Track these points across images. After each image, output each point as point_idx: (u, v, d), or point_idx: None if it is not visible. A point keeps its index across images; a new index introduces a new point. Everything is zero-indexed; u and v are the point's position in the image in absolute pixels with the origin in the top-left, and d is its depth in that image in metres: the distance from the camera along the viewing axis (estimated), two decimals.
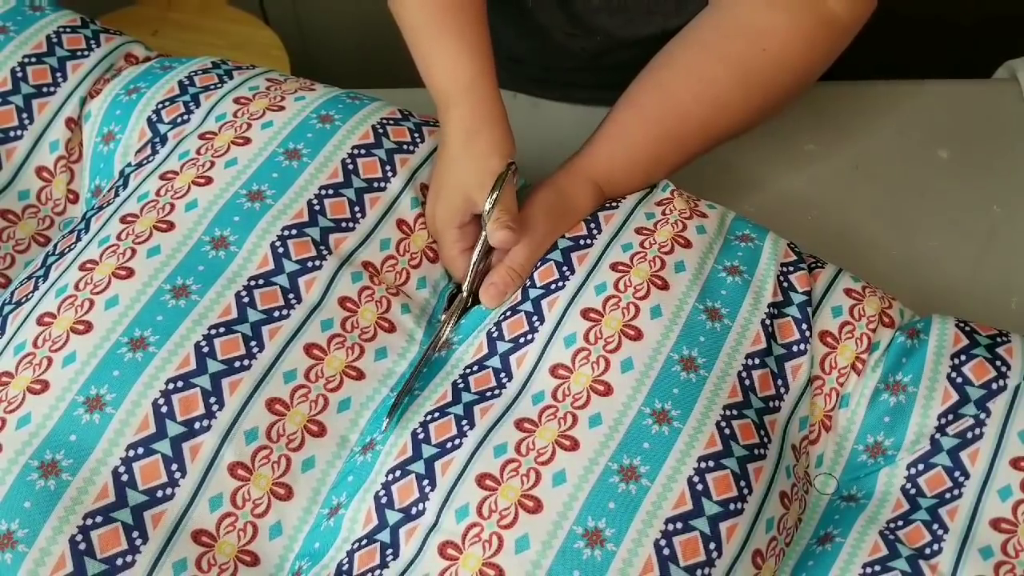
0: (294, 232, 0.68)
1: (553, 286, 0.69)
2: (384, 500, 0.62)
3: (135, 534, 0.60)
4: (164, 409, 0.62)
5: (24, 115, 0.77)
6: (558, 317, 0.68)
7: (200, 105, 0.77)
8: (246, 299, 0.66)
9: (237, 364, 0.64)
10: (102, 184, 0.78)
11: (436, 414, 0.65)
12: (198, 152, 0.73)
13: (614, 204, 0.74)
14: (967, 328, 0.70)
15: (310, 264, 0.68)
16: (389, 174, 0.73)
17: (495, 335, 0.69)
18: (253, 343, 0.65)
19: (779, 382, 0.67)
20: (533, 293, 0.69)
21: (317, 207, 0.70)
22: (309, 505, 0.64)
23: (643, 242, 0.71)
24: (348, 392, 0.66)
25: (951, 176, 0.90)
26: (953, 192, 0.89)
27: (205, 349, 0.64)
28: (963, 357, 0.68)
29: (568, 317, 0.67)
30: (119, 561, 0.59)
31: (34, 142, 0.77)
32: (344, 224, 0.70)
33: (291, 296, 0.67)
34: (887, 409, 0.68)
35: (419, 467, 0.62)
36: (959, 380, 0.67)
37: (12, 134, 0.77)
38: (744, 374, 0.65)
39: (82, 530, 0.58)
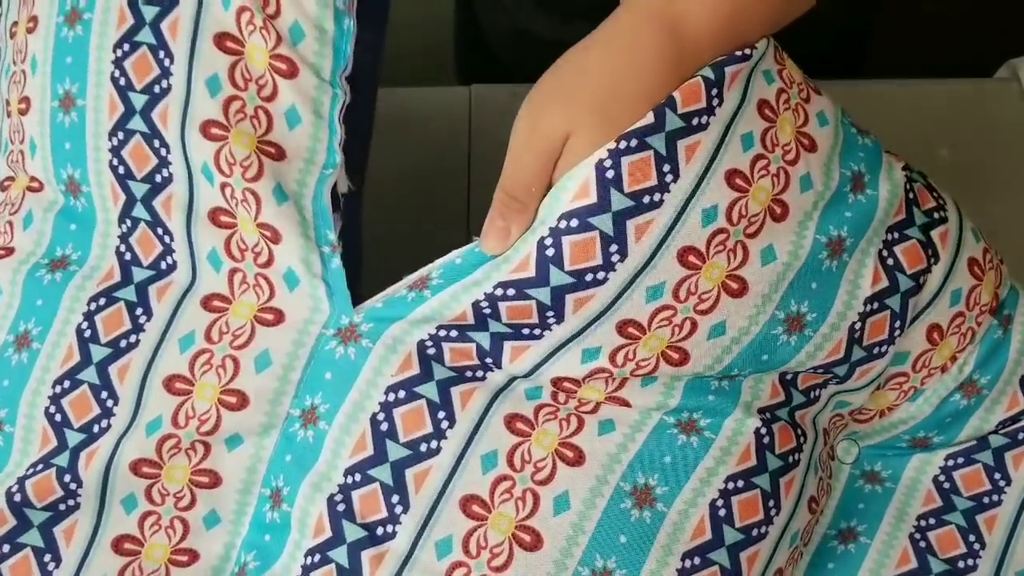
0: (121, 137, 0.55)
1: (590, 276, 0.51)
2: (342, 509, 0.52)
3: (46, 557, 0.53)
4: (58, 418, 0.54)
5: None
6: (588, 319, 0.52)
7: None
8: (127, 254, 0.56)
9: (123, 343, 0.54)
10: None
11: (401, 392, 0.52)
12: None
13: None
14: None
15: (158, 178, 0.56)
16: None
17: (486, 309, 0.53)
18: (140, 312, 0.55)
19: (833, 379, 0.56)
20: (556, 277, 0.51)
21: (122, 82, 0.55)
22: (245, 486, 0.55)
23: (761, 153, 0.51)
24: (263, 343, 0.54)
25: (951, 176, 0.90)
26: (953, 192, 0.89)
27: (87, 333, 0.54)
28: None
29: (603, 323, 0.52)
30: None
31: None
32: (157, 88, 0.54)
33: (163, 234, 0.56)
34: (954, 411, 0.60)
35: (385, 475, 0.51)
36: None
37: None
38: (791, 377, 0.55)
39: None
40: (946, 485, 0.60)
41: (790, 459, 0.53)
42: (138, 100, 0.54)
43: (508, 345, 0.53)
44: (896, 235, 0.55)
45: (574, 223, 0.50)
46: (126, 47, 0.54)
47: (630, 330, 0.52)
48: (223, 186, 0.54)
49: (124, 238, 0.56)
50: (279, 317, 0.55)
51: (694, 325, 0.52)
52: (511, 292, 0.51)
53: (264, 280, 0.55)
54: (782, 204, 0.52)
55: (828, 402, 0.57)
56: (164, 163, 0.55)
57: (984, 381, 0.60)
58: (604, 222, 0.50)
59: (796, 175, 0.53)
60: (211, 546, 0.55)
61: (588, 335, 0.52)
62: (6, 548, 0.53)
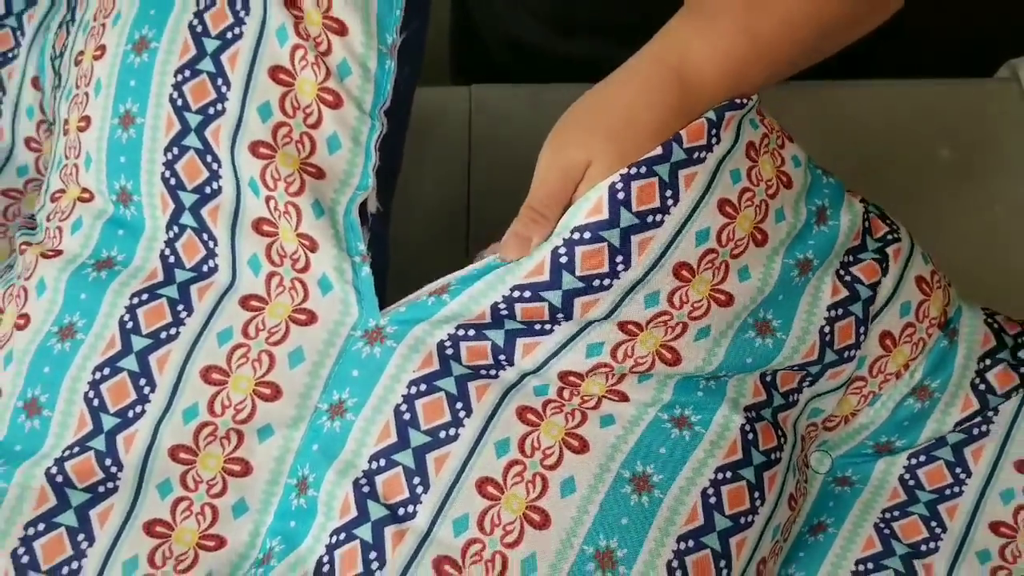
0: (176, 152, 0.60)
1: (596, 282, 0.57)
2: (367, 491, 0.56)
3: (80, 536, 0.56)
4: (96, 402, 0.58)
5: None
6: (594, 317, 0.58)
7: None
8: (171, 257, 0.61)
9: (164, 335, 0.59)
10: None
11: (423, 385, 0.58)
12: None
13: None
14: (995, 325, 0.68)
15: (207, 190, 0.61)
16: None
17: (503, 311, 0.59)
18: (181, 308, 0.59)
19: (807, 381, 0.62)
20: (568, 281, 0.57)
21: (180, 103, 0.60)
22: (274, 476, 0.58)
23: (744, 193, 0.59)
24: (297, 341, 0.60)
25: (951, 176, 0.90)
26: (953, 192, 0.89)
27: (129, 324, 0.59)
28: (988, 362, 0.66)
29: (607, 322, 0.58)
30: (64, 569, 0.55)
31: (12, 113, 0.73)
32: (213, 110, 0.60)
33: (207, 239, 0.61)
34: (910, 414, 0.66)
35: (407, 459, 0.56)
36: (982, 387, 0.66)
37: None
38: (770, 376, 0.61)
39: (24, 541, 0.56)
40: (911, 482, 0.65)
41: (772, 456, 0.59)
42: (193, 120, 0.60)
43: (520, 342, 0.58)
44: (852, 257, 0.63)
45: (587, 235, 0.57)
46: (187, 73, 0.60)
47: (629, 327, 0.58)
48: (268, 199, 0.59)
49: (170, 243, 0.61)
50: (312, 318, 0.60)
51: (685, 327, 0.59)
52: (527, 294, 0.58)
53: (300, 284, 0.60)
54: (763, 232, 0.60)
55: (805, 408, 0.63)
56: (215, 176, 0.60)
57: (935, 385, 0.66)
58: (613, 235, 0.57)
59: (773, 208, 0.60)
60: (238, 533, 0.58)
61: (591, 331, 0.58)
62: (41, 527, 0.56)
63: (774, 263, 0.60)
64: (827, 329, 0.61)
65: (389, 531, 0.55)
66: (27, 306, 0.62)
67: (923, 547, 0.62)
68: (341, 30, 0.59)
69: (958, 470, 0.64)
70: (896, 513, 0.64)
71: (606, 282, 0.57)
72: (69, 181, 0.65)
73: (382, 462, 0.56)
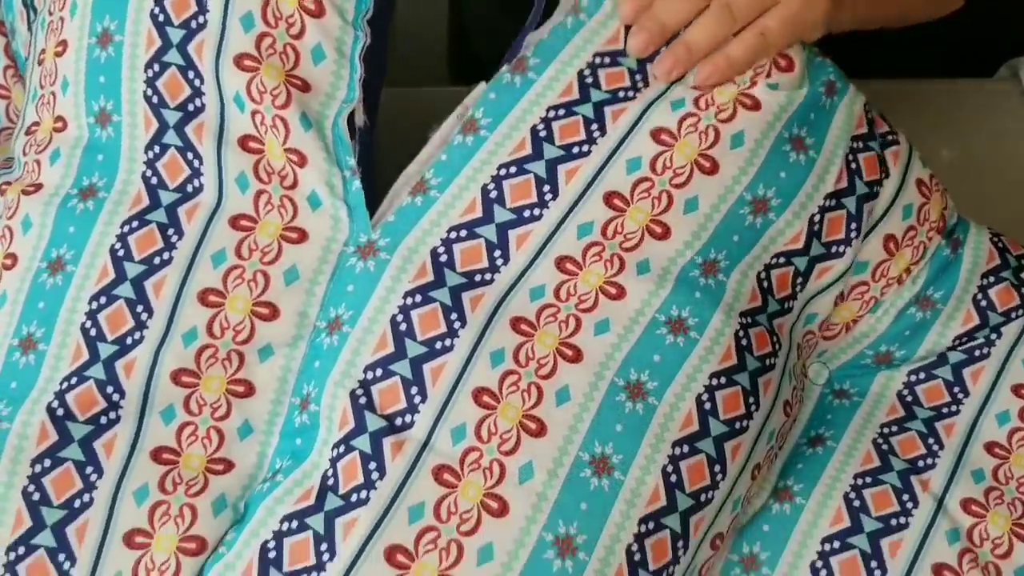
0: (157, 69, 0.60)
1: (577, 149, 0.59)
2: (363, 401, 0.56)
3: (88, 470, 0.55)
4: (93, 332, 0.57)
5: None
6: (580, 190, 0.59)
7: None
8: (153, 179, 0.60)
9: (157, 260, 0.58)
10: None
11: (418, 296, 0.57)
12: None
13: None
14: (1000, 244, 0.68)
15: (191, 107, 0.60)
16: None
17: (493, 194, 0.59)
18: (171, 232, 0.59)
19: (799, 280, 0.62)
20: (549, 151, 0.59)
21: (161, 18, 0.60)
22: (277, 396, 0.58)
23: (697, 100, 0.61)
24: (291, 259, 0.59)
25: (952, 176, 0.90)
26: (953, 192, 0.89)
27: (120, 252, 0.58)
28: (992, 279, 0.67)
29: (588, 198, 0.59)
30: (76, 503, 0.55)
31: None
32: (195, 23, 0.59)
33: (191, 156, 0.60)
34: (911, 324, 0.66)
35: (404, 369, 0.56)
36: (983, 303, 0.66)
37: None
38: (764, 275, 0.61)
39: (32, 478, 0.55)
40: (908, 398, 0.65)
41: (767, 362, 0.59)
42: (175, 34, 0.59)
43: (512, 234, 0.58)
44: (860, 144, 0.62)
45: (561, 111, 0.59)
46: None
47: (615, 201, 0.58)
48: (254, 113, 0.59)
49: (150, 164, 0.60)
50: (303, 236, 0.59)
51: (671, 198, 0.58)
52: (512, 170, 0.58)
53: (289, 201, 0.59)
54: (753, 98, 0.61)
55: (800, 314, 0.62)
56: (197, 93, 0.59)
57: (937, 296, 0.66)
58: (586, 110, 0.60)
59: (763, 79, 0.62)
60: (245, 455, 0.58)
61: (580, 209, 0.58)
62: (47, 463, 0.55)
63: (772, 130, 0.60)
64: (817, 218, 0.61)
65: (387, 442, 0.55)
66: (13, 245, 0.61)
67: (920, 463, 0.62)
68: None
69: (956, 389, 0.65)
70: (894, 428, 0.64)
71: (585, 148, 0.59)
72: (44, 112, 0.63)
73: (378, 372, 0.56)
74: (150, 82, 0.60)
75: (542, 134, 0.59)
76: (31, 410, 0.56)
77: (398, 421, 0.55)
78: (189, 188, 0.60)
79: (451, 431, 0.55)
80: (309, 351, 0.58)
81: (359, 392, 0.56)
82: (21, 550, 0.54)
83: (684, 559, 0.56)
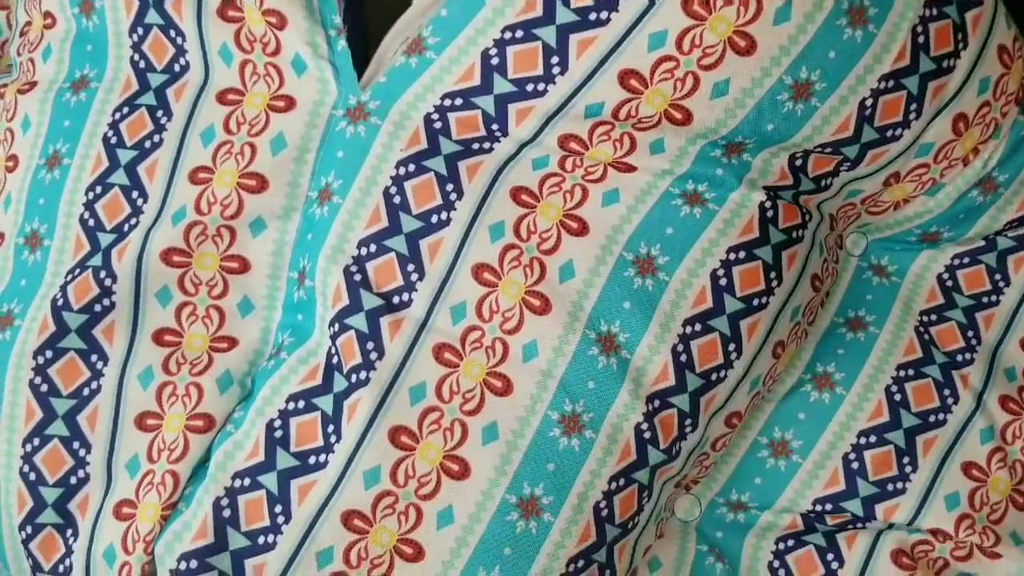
0: None
1: (593, 15, 0.52)
2: (358, 278, 0.54)
3: (93, 357, 0.56)
4: (92, 222, 0.57)
5: None
6: (592, 66, 0.52)
7: None
8: (140, 62, 0.59)
9: (148, 144, 0.57)
10: None
11: (411, 166, 0.54)
12: None
13: None
14: None
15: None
16: None
17: (495, 61, 0.53)
18: (161, 114, 0.57)
19: (844, 165, 0.56)
20: (562, 15, 0.52)
21: None
22: (273, 271, 0.57)
23: None
24: (278, 127, 0.56)
25: None
26: None
27: (113, 140, 0.57)
28: None
29: (600, 76, 0.53)
30: (85, 391, 0.56)
31: None
32: None
33: (173, 33, 0.58)
34: (969, 207, 0.60)
35: (399, 244, 0.54)
36: None
37: None
38: (800, 157, 0.55)
39: (37, 370, 0.56)
40: (949, 283, 0.61)
41: (793, 234, 0.54)
42: None
43: (513, 108, 0.54)
44: (933, 10, 0.53)
45: None
46: None
47: (632, 82, 0.52)
48: None
49: (136, 47, 0.59)
50: (290, 103, 0.57)
51: (697, 80, 0.52)
52: (519, 34, 0.53)
53: (274, 69, 0.57)
54: None
55: (840, 191, 0.57)
56: None
57: (1003, 179, 0.60)
58: None
59: None
60: (248, 332, 0.57)
61: (591, 87, 0.53)
62: (49, 354, 0.56)
63: (826, 1, 0.52)
64: (869, 102, 0.53)
65: (385, 321, 0.53)
66: (14, 146, 0.60)
67: (959, 357, 0.60)
68: None
69: (997, 277, 0.61)
70: (934, 317, 0.60)
71: (603, 15, 0.52)
72: (33, 10, 0.63)
73: (372, 248, 0.54)
74: None
75: None
76: (39, 306, 0.57)
77: (395, 299, 0.54)
78: (176, 67, 0.59)
79: (451, 309, 0.53)
80: (302, 223, 0.57)
81: (353, 269, 0.54)
82: (36, 441, 0.56)
83: (693, 436, 0.54)
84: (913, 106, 0.54)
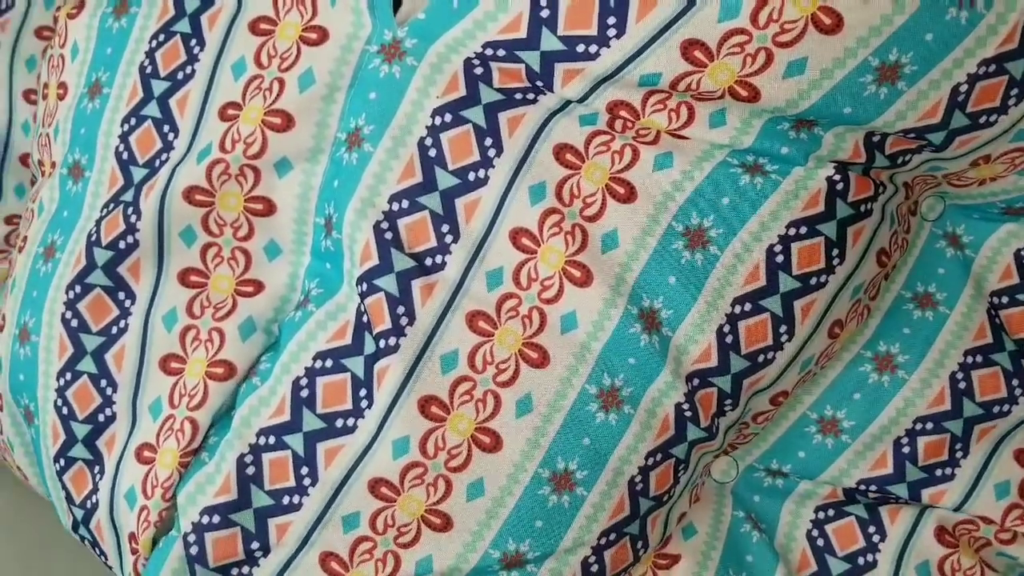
0: None
1: None
2: (389, 236, 0.51)
3: (121, 295, 0.55)
4: (126, 155, 0.55)
5: None
6: (652, 32, 0.47)
7: None
8: None
9: (180, 75, 0.55)
10: None
11: (448, 115, 0.50)
12: None
13: None
14: None
15: None
16: None
17: (544, 13, 0.48)
18: (194, 44, 0.55)
19: (925, 146, 0.50)
20: None
21: None
22: (299, 215, 0.54)
23: None
24: (308, 62, 0.53)
25: None
26: None
27: (149, 69, 0.55)
28: None
29: (661, 44, 0.47)
30: (113, 329, 0.55)
31: None
32: None
33: None
34: None
35: (434, 203, 0.51)
36: None
37: None
38: (877, 138, 0.50)
39: (68, 304, 0.55)
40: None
41: (862, 208, 0.50)
42: None
43: (560, 68, 0.49)
44: None
45: None
46: None
47: (696, 54, 0.47)
48: None
49: None
50: (322, 35, 0.53)
51: (770, 57, 0.47)
52: None
53: (308, 2, 0.53)
54: None
55: (920, 166, 0.52)
56: None
57: None
58: None
59: None
60: (275, 276, 0.55)
61: (649, 56, 0.48)
62: (78, 289, 0.55)
63: None
64: (964, 88, 0.48)
65: (417, 284, 0.51)
66: (64, 73, 0.59)
67: None
68: None
69: None
70: (1006, 299, 0.56)
71: None
72: None
73: (405, 203, 0.51)
74: None
75: None
76: (77, 239, 0.56)
77: (428, 261, 0.51)
78: None
79: (486, 275, 0.50)
80: (329, 166, 0.53)
81: (384, 225, 0.51)
82: (68, 376, 0.55)
83: (732, 413, 0.52)
84: (1014, 91, 0.49)
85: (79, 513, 0.57)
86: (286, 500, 0.52)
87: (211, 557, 0.52)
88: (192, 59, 0.55)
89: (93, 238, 0.55)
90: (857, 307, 0.53)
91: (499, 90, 0.50)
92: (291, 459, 0.52)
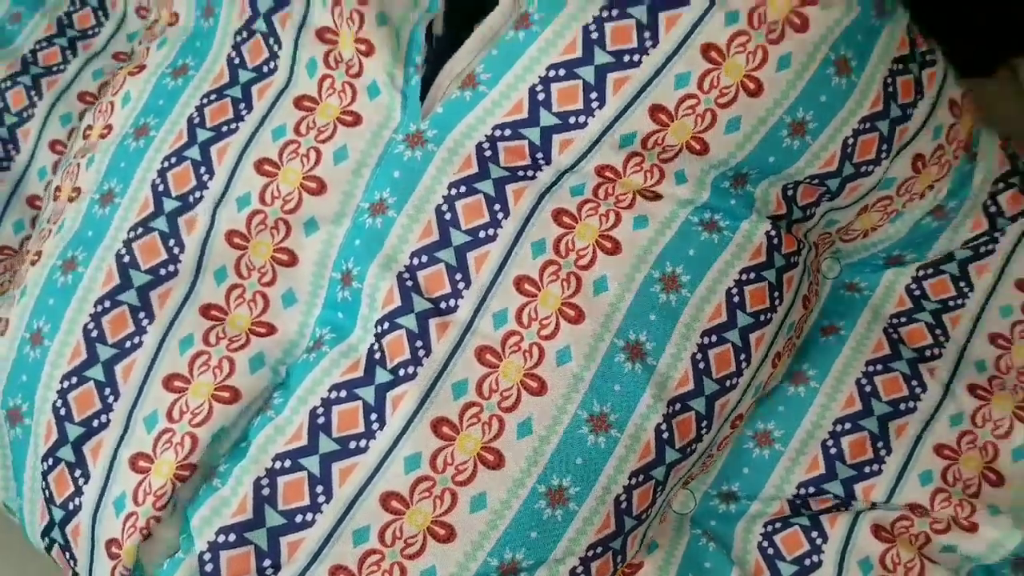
0: None
1: (627, 57, 0.60)
2: (410, 284, 0.59)
3: (141, 315, 0.60)
4: (161, 187, 0.61)
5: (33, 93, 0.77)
6: (626, 102, 0.60)
7: None
8: (236, 60, 0.64)
9: (225, 129, 0.62)
10: None
11: (462, 187, 0.60)
12: None
13: None
14: (1011, 151, 0.71)
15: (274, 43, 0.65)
16: None
17: (540, 96, 0.61)
18: (243, 106, 0.63)
19: (826, 196, 0.64)
20: (599, 57, 0.60)
21: None
22: (319, 269, 0.62)
23: (751, 15, 0.60)
24: (342, 139, 0.62)
25: None
26: None
27: (196, 120, 0.62)
28: (1001, 185, 0.70)
29: (634, 110, 0.60)
30: (127, 344, 0.60)
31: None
32: None
33: (272, 42, 0.64)
34: (926, 231, 0.69)
35: (449, 256, 0.60)
36: (992, 209, 0.70)
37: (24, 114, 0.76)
38: (791, 189, 0.63)
39: (93, 317, 0.60)
40: (916, 292, 0.69)
41: (792, 259, 0.62)
42: None
43: (557, 139, 0.60)
44: (900, 66, 0.63)
45: (614, 12, 0.59)
46: None
47: (660, 116, 0.60)
48: (334, 6, 0.61)
49: (237, 47, 0.65)
50: (357, 119, 0.62)
51: (714, 116, 0.60)
52: (562, 72, 0.60)
53: (350, 87, 0.62)
54: (802, 17, 0.60)
55: (820, 220, 0.66)
56: None
57: (951, 206, 0.69)
58: (640, 12, 0.59)
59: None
60: (287, 323, 0.62)
61: (626, 119, 0.60)
62: (107, 303, 0.60)
63: (819, 51, 0.60)
64: (851, 141, 0.63)
65: (433, 322, 0.59)
66: (112, 117, 0.66)
67: (927, 352, 0.67)
68: None
69: (962, 284, 0.69)
70: (903, 319, 0.68)
71: (635, 58, 0.59)
72: (163, 10, 0.69)
73: (424, 258, 0.59)
74: None
75: (594, 36, 0.60)
76: (103, 256, 0.61)
77: (443, 305, 0.59)
78: (265, 69, 0.64)
79: (493, 315, 0.59)
80: (351, 229, 0.61)
81: (405, 276, 0.59)
82: (74, 379, 0.59)
83: (707, 437, 0.61)
84: (884, 146, 0.63)
85: (58, 514, 0.60)
86: (299, 519, 0.57)
87: (225, 575, 0.57)
88: (238, 118, 0.63)
89: (127, 259, 0.61)
90: (790, 343, 0.64)
91: (505, 168, 0.61)
92: (307, 479, 0.58)
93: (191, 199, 0.62)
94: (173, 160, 0.62)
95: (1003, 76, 0.99)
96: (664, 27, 0.59)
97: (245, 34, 0.65)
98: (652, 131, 0.60)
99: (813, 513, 0.65)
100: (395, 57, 0.62)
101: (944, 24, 0.96)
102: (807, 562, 0.63)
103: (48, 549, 0.62)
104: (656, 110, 0.60)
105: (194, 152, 0.62)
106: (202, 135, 0.62)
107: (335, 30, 0.62)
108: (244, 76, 0.64)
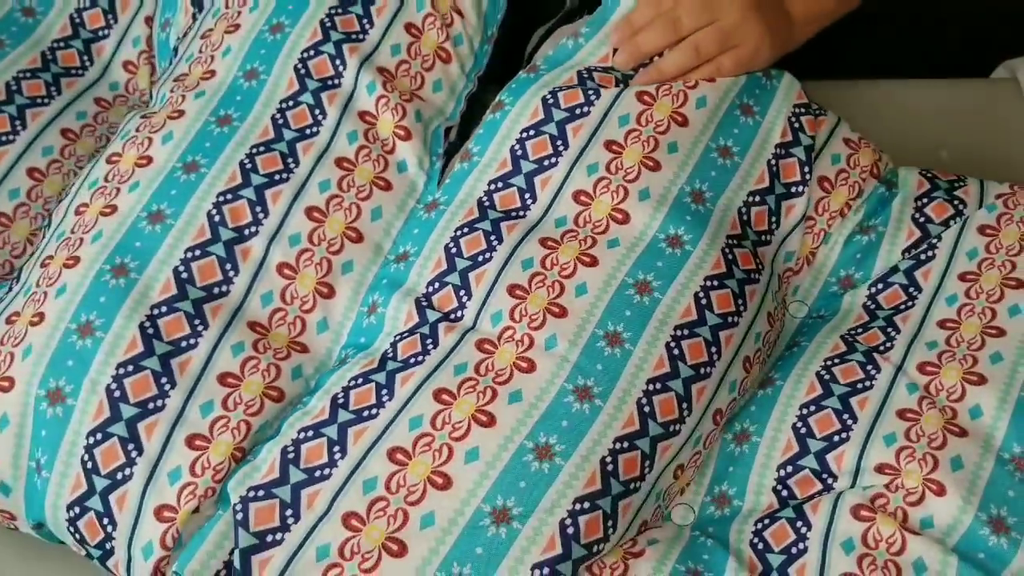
0: (312, 53, 0.79)
1: (579, 111, 0.77)
2: (425, 303, 0.72)
3: (196, 321, 0.70)
4: (217, 218, 0.73)
5: (109, 16, 0.90)
6: (584, 142, 0.76)
7: None
8: (280, 121, 0.77)
9: (277, 177, 0.75)
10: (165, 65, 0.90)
11: (465, 229, 0.75)
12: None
13: None
14: (929, 175, 0.81)
15: (330, 82, 0.78)
16: None
17: (519, 152, 0.77)
18: (290, 160, 0.76)
19: (773, 219, 0.77)
20: (557, 115, 0.77)
21: (329, 24, 0.80)
22: (350, 303, 0.74)
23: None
24: (378, 201, 0.77)
25: None
26: None
27: (248, 166, 0.75)
28: (925, 199, 0.80)
29: (592, 146, 0.76)
30: (183, 343, 0.69)
31: (119, 39, 0.90)
32: (355, 36, 0.80)
33: (318, 112, 0.78)
34: (859, 248, 0.79)
35: (455, 279, 0.73)
36: (921, 219, 0.79)
37: (100, 33, 0.90)
38: (744, 210, 0.76)
39: (149, 321, 0.69)
40: (872, 306, 0.77)
41: (752, 275, 0.73)
42: (335, 35, 0.80)
43: (537, 179, 0.76)
44: (801, 109, 0.80)
45: (564, 88, 0.81)
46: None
47: (614, 147, 0.76)
48: (380, 98, 0.79)
49: (282, 111, 0.78)
50: (388, 186, 0.78)
51: (656, 142, 0.76)
52: (532, 132, 0.78)
53: (383, 159, 0.79)
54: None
55: (779, 249, 0.77)
56: (339, 75, 0.79)
57: (876, 221, 0.80)
58: (584, 84, 0.81)
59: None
60: (319, 345, 0.74)
61: (587, 155, 0.76)
62: (164, 308, 0.70)
63: (729, 95, 0.79)
64: (774, 163, 0.77)
65: (442, 327, 0.71)
66: (151, 150, 0.76)
67: (881, 347, 0.74)
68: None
69: (911, 289, 0.77)
70: (859, 329, 0.76)
71: (584, 109, 0.77)
72: (198, 67, 0.81)
73: (436, 285, 0.73)
74: (303, 60, 0.79)
75: (550, 102, 0.78)
76: (159, 268, 0.71)
77: (452, 316, 0.72)
78: (308, 132, 0.78)
79: (491, 316, 0.71)
80: (380, 272, 0.76)
81: (423, 301, 0.73)
82: (130, 367, 0.68)
83: (690, 420, 0.69)
84: (806, 169, 0.78)
85: (101, 483, 0.67)
86: (318, 473, 0.66)
87: (252, 523, 0.65)
88: (287, 169, 0.76)
89: (184, 276, 0.71)
90: (759, 355, 0.73)
91: (500, 211, 0.76)
92: (326, 443, 0.67)
93: (247, 232, 0.73)
94: (229, 196, 0.74)
95: (1001, 76, 0.98)
96: (602, 88, 0.79)
97: (291, 103, 0.78)
98: (610, 159, 0.76)
99: (797, 502, 0.69)
100: (425, 146, 0.79)
101: (941, 24, 0.94)
102: (794, 550, 0.66)
103: (73, 521, 0.67)
104: (610, 143, 0.76)
105: (249, 192, 0.74)
106: (256, 179, 0.74)
107: (375, 115, 0.79)
108: (288, 135, 0.77)
